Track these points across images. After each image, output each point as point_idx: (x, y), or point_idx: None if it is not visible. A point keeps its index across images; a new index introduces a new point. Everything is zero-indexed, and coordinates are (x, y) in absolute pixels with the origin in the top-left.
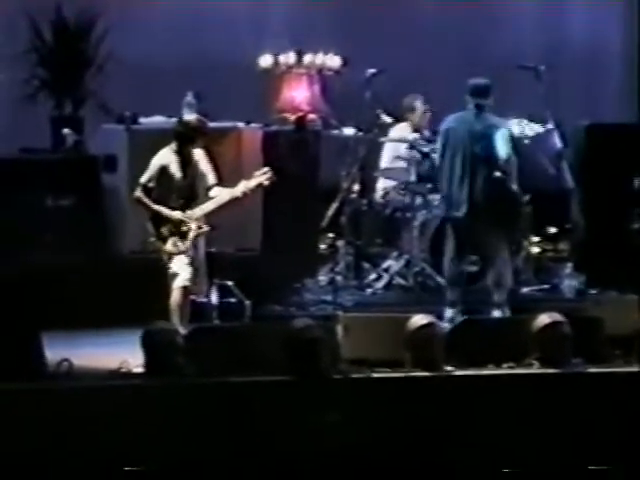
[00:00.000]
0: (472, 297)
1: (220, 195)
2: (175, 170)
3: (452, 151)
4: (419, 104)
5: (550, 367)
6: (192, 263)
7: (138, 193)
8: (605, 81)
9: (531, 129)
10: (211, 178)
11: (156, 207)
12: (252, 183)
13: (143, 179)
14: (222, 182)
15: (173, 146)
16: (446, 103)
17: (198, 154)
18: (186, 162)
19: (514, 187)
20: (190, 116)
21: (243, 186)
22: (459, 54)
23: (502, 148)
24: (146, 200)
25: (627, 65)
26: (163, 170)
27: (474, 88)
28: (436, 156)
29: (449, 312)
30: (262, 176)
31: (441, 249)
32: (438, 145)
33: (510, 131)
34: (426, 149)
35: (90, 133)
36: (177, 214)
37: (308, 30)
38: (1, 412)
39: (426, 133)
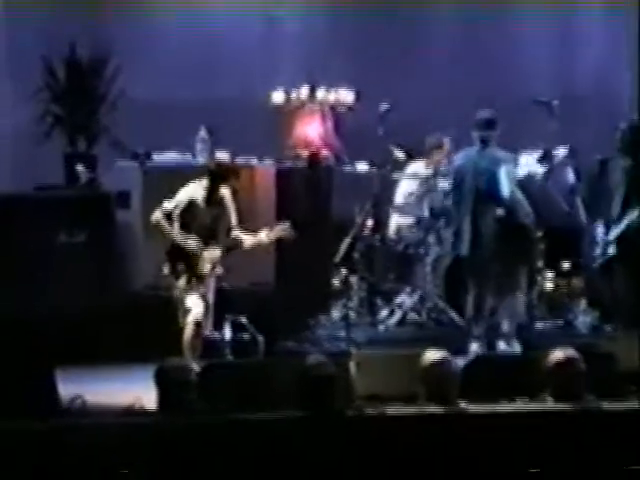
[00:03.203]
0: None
1: (244, 241)
2: (201, 206)
3: (460, 190)
4: (447, 142)
5: (564, 403)
6: (204, 299)
7: (158, 215)
8: (618, 115)
9: (538, 167)
10: (234, 219)
11: (174, 233)
12: (273, 235)
13: (168, 205)
14: (240, 219)
15: (203, 182)
16: (459, 140)
17: (224, 193)
18: (212, 200)
19: (521, 223)
20: (224, 155)
21: (264, 237)
22: (472, 91)
23: (505, 185)
24: (165, 225)
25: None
26: (190, 204)
27: (479, 121)
28: (448, 196)
29: (474, 346)
30: (283, 230)
31: (455, 284)
32: (450, 184)
33: (515, 166)
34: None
35: (103, 170)
36: (193, 243)
37: (321, 66)
38: (14, 449)
39: (442, 169)
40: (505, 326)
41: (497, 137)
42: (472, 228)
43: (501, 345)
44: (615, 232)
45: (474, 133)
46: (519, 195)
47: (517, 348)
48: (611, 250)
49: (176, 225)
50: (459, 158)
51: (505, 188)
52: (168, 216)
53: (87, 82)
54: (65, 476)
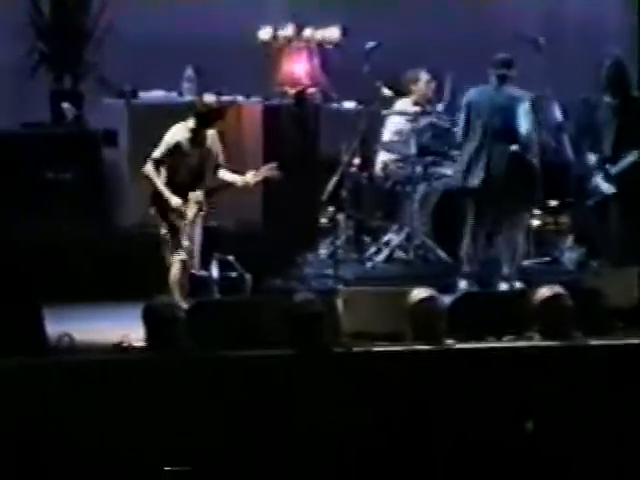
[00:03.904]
0: (483, 269)
1: (228, 182)
2: (187, 148)
3: (474, 124)
4: (423, 75)
5: (551, 340)
6: (190, 238)
7: (149, 168)
8: (605, 51)
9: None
10: (221, 159)
11: (161, 187)
12: (260, 176)
13: (156, 154)
14: (227, 159)
15: (189, 124)
16: (446, 75)
17: (211, 134)
18: (199, 141)
19: (533, 161)
20: (211, 97)
21: (251, 177)
22: (460, 27)
23: (523, 122)
24: (155, 177)
25: (627, 35)
26: (176, 146)
27: (497, 60)
28: (459, 129)
29: (463, 283)
30: (270, 170)
31: (443, 222)
32: (461, 119)
33: (531, 104)
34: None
35: (90, 107)
36: (176, 201)
37: (308, 3)
38: (1, 387)
39: (429, 107)
40: (507, 267)
41: (513, 77)
42: (485, 163)
43: (503, 286)
44: (614, 169)
45: (491, 71)
46: (533, 135)
47: (518, 285)
48: (607, 188)
49: (163, 170)
50: (472, 94)
51: (523, 126)
52: (157, 163)
53: (73, 18)
54: (52, 414)
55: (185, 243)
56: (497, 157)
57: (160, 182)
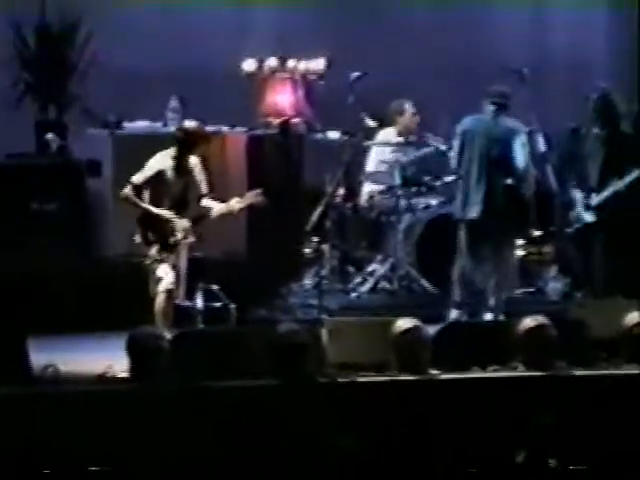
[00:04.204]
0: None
1: (213, 210)
2: (170, 176)
3: (469, 153)
4: (408, 107)
5: (535, 370)
6: (175, 267)
7: (127, 191)
8: (591, 83)
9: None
10: (204, 188)
11: (145, 205)
12: (244, 202)
13: (136, 179)
14: (211, 187)
15: (171, 151)
16: (431, 108)
17: (194, 162)
18: (182, 169)
19: (527, 194)
20: (192, 123)
21: (235, 204)
22: (443, 59)
23: (519, 155)
24: (134, 199)
25: (612, 66)
26: (158, 174)
27: (493, 91)
28: (452, 157)
29: (454, 313)
30: (255, 197)
31: (427, 253)
32: (455, 147)
33: (527, 136)
34: (416, 154)
35: (74, 138)
36: (165, 213)
37: (292, 35)
38: None
39: (412, 138)
40: (494, 298)
41: (508, 109)
42: (482, 195)
43: (487, 316)
44: (598, 199)
45: (487, 102)
46: (530, 168)
47: (502, 317)
48: (589, 217)
49: (146, 196)
50: (468, 123)
51: (519, 158)
52: (138, 189)
53: (58, 50)
54: (37, 443)
55: (170, 273)
56: (493, 189)
57: (141, 202)
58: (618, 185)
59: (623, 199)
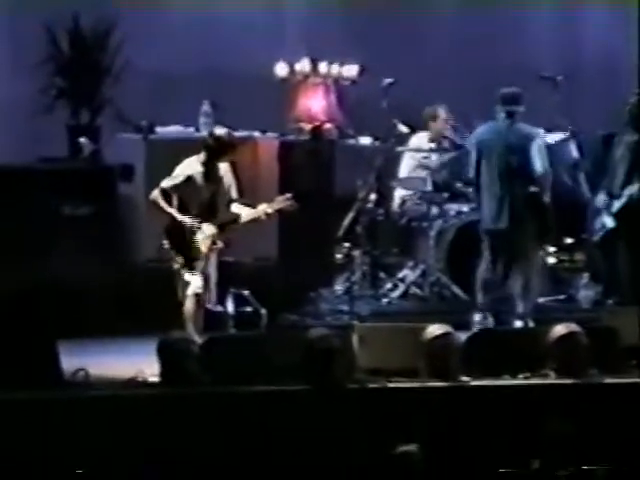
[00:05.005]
0: (498, 305)
1: (242, 215)
2: (200, 182)
3: (487, 164)
4: (442, 112)
5: (566, 377)
6: (203, 273)
7: (156, 194)
8: (623, 91)
9: (551, 138)
10: (234, 193)
11: (170, 209)
12: (274, 207)
13: (165, 184)
14: (241, 193)
15: (201, 157)
16: (463, 114)
17: (224, 168)
18: (211, 175)
19: (547, 199)
20: (222, 130)
21: (265, 209)
22: (475, 64)
23: (538, 161)
24: (162, 203)
25: None
26: (188, 180)
27: (505, 96)
28: (469, 168)
29: (477, 317)
30: (285, 201)
31: (458, 259)
32: (472, 157)
33: (544, 141)
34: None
35: (107, 142)
36: (188, 220)
37: (325, 39)
38: (18, 421)
39: (445, 144)
40: (523, 305)
41: (521, 113)
42: (508, 205)
43: (517, 324)
44: (616, 205)
45: (498, 108)
46: (549, 172)
47: (531, 324)
48: (610, 223)
49: (175, 202)
50: (483, 132)
51: (538, 164)
52: (167, 193)
53: (91, 53)
54: (69, 447)
55: (198, 277)
56: (516, 198)
57: (168, 206)
58: (632, 190)
59: (633, 205)
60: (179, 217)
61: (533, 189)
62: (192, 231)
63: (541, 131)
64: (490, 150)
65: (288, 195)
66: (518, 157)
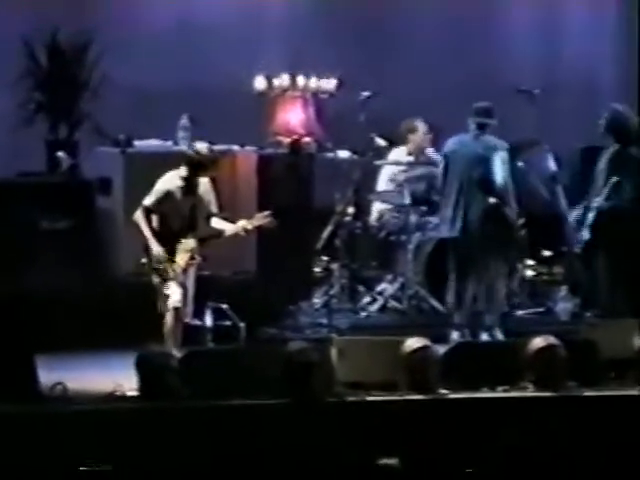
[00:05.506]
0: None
1: (222, 231)
2: (179, 196)
3: (452, 174)
4: (421, 125)
5: (545, 390)
6: (183, 287)
7: (138, 214)
8: (601, 104)
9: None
10: (213, 208)
11: (148, 235)
12: (254, 223)
13: (147, 202)
14: (220, 207)
15: (181, 172)
16: (442, 127)
17: (203, 182)
18: (191, 189)
19: (509, 212)
20: (203, 145)
21: (244, 225)
22: (455, 78)
23: (499, 172)
24: (143, 225)
25: (622, 88)
26: (168, 194)
27: (477, 109)
28: (439, 180)
29: (455, 335)
30: (264, 218)
31: (436, 272)
32: (441, 169)
33: (508, 153)
34: (421, 172)
35: (85, 156)
36: (156, 249)
37: (303, 52)
38: None
39: (423, 157)
40: (488, 317)
41: (494, 126)
42: (463, 214)
43: (484, 336)
44: (590, 217)
45: (471, 120)
46: (510, 185)
47: (500, 336)
48: (586, 236)
49: (154, 219)
50: (452, 143)
51: (498, 175)
52: (149, 210)
53: (69, 68)
54: (45, 462)
55: (178, 291)
56: (475, 208)
57: (147, 229)
58: (600, 201)
59: (608, 216)
60: (150, 242)
61: (492, 200)
62: (173, 245)
63: (506, 144)
64: (455, 161)
65: (267, 212)
66: (481, 168)
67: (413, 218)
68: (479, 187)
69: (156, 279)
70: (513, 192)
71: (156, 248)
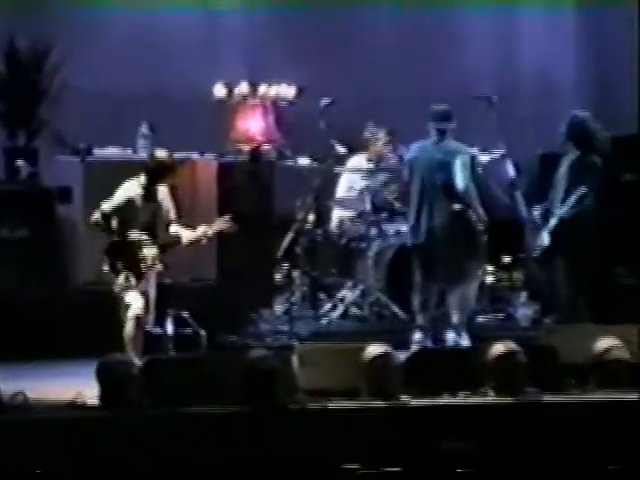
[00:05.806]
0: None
1: (183, 237)
2: (139, 204)
3: (414, 181)
4: (381, 132)
5: (505, 396)
6: (144, 294)
7: (96, 218)
8: (559, 110)
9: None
10: (172, 215)
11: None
12: (214, 228)
13: (106, 207)
14: (180, 215)
15: (141, 180)
16: (401, 132)
17: (162, 190)
18: (151, 197)
19: (473, 216)
20: (162, 153)
21: (204, 231)
22: (414, 84)
23: (460, 177)
24: (102, 225)
25: (581, 93)
26: (128, 202)
27: (435, 113)
28: (402, 186)
29: (417, 336)
30: (224, 223)
31: (398, 278)
32: (404, 175)
33: (469, 157)
34: (381, 178)
35: (44, 165)
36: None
37: (262, 60)
38: None
39: (383, 163)
40: (455, 318)
41: (453, 130)
42: (427, 220)
43: (450, 336)
44: (552, 223)
45: (430, 125)
46: (472, 189)
47: (466, 339)
48: (547, 241)
49: (114, 224)
50: (413, 150)
51: (459, 180)
52: (106, 217)
53: (27, 76)
54: (8, 471)
55: (138, 300)
56: (437, 213)
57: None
58: (565, 208)
59: (569, 223)
60: (121, 235)
61: (457, 206)
62: (135, 252)
63: (470, 149)
64: (417, 167)
65: (227, 217)
66: (443, 174)
67: (373, 225)
68: (441, 192)
69: (117, 287)
70: (477, 196)
71: (131, 236)
